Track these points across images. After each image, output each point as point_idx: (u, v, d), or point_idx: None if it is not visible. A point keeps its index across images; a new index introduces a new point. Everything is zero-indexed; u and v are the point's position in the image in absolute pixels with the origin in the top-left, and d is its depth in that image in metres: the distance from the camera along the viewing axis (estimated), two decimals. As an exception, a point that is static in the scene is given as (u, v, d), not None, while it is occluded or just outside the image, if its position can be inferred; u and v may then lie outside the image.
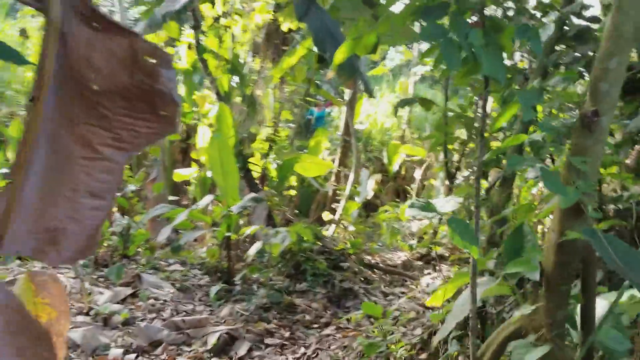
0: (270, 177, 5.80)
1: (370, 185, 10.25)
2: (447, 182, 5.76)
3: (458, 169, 5.64)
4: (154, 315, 3.86)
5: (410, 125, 12.80)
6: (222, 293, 4.37)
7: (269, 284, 4.40)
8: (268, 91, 8.93)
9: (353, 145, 6.96)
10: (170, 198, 6.46)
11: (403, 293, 4.90)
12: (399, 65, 15.45)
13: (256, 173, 5.90)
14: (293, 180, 6.28)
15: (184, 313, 4.00)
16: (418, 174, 11.11)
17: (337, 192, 7.94)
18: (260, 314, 3.98)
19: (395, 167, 11.31)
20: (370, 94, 5.70)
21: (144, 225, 5.44)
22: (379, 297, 4.75)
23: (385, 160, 11.38)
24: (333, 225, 6.03)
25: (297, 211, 8.75)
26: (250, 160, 5.88)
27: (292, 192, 6.38)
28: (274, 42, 8.28)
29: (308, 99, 13.74)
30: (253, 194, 5.07)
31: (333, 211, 7.62)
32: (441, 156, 9.61)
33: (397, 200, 11.51)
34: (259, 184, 5.82)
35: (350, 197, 6.83)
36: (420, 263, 5.48)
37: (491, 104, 6.42)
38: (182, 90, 7.91)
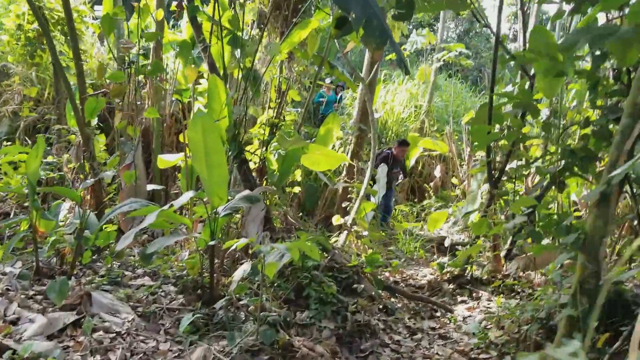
0: (270, 170, 4.68)
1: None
2: (488, 187, 4.67)
3: (502, 172, 4.51)
4: (97, 358, 2.78)
5: (429, 117, 11.64)
6: (198, 322, 3.29)
7: (260, 315, 3.31)
8: (274, 68, 7.82)
9: (372, 136, 5.84)
10: (155, 187, 5.38)
11: (433, 329, 3.81)
12: (418, 50, 14.27)
13: (254, 164, 4.79)
14: (298, 175, 5.18)
15: (142, 355, 2.92)
16: (438, 171, 9.99)
17: (350, 189, 6.84)
18: (245, 360, 2.91)
19: (412, 162, 10.19)
20: (406, 70, 4.56)
21: (112, 223, 4.37)
22: (403, 335, 3.66)
23: (402, 154, 10.25)
24: (344, 233, 4.94)
25: (301, 212, 7.68)
26: (247, 148, 4.77)
27: (296, 189, 5.29)
28: (284, 12, 7.16)
29: (319, 82, 12.65)
30: (247, 191, 3.98)
31: (344, 213, 6.53)
32: (463, 152, 8.47)
33: (414, 200, 10.43)
34: (257, 177, 4.73)
35: (366, 197, 5.74)
36: (451, 286, 4.39)
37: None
38: (178, 64, 6.84)
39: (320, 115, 11.46)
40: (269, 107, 5.56)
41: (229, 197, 3.74)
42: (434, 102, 12.14)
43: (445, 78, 15.56)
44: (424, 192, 10.21)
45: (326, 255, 4.11)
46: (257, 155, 4.81)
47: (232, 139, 4.52)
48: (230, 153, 4.49)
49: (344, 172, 6.79)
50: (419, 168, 10.56)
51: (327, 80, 11.58)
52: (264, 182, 4.74)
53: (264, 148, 4.78)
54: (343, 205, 6.35)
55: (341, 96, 12.00)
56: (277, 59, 7.09)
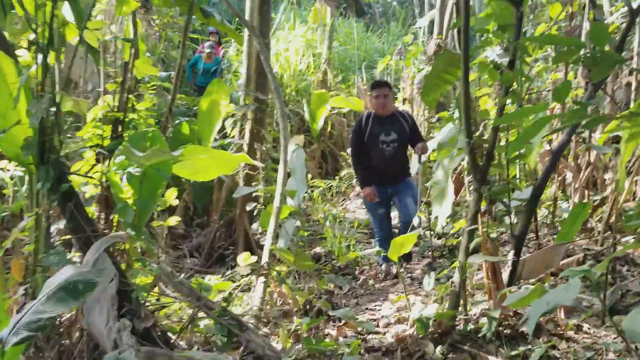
0: (120, 201, 2.73)
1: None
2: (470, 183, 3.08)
3: (490, 156, 2.90)
4: None
5: (331, 66, 9.88)
6: None
7: None
8: (127, 25, 5.62)
9: (279, 109, 4.00)
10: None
11: None
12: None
13: (91, 193, 2.81)
14: (172, 196, 3.17)
15: None
16: (354, 132, 8.35)
17: (255, 182, 5.01)
18: None
19: (320, 124, 8.49)
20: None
21: None
22: None
23: (307, 116, 8.50)
24: (260, 284, 3.09)
25: (192, 214, 5.75)
26: (73, 169, 2.77)
27: (172, 223, 3.33)
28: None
29: (194, 35, 10.35)
30: (70, 269, 2.09)
31: (249, 217, 4.71)
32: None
33: (327, 170, 8.79)
34: (100, 215, 2.79)
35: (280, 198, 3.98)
36: (438, 349, 2.72)
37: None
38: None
39: (197, 87, 9.29)
40: (115, 86, 3.52)
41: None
42: (333, 47, 10.39)
43: (338, 18, 13.79)
44: (337, 159, 8.59)
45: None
46: (93, 179, 2.84)
47: (40, 158, 2.51)
48: (39, 185, 2.49)
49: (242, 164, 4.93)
50: (329, 129, 8.88)
51: (206, 44, 9.27)
52: (113, 226, 2.80)
53: (106, 163, 2.81)
54: (247, 207, 4.52)
55: (221, 56, 9.65)
56: (125, 9, 4.92)
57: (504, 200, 2.90)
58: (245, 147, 4.83)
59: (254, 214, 4.44)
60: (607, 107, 4.85)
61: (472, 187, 2.95)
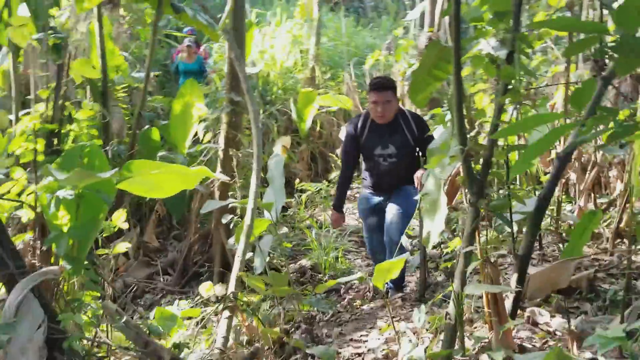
0: (54, 228, 2.31)
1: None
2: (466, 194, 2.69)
3: (488, 164, 2.49)
4: None
5: (319, 62, 9.43)
6: None
7: None
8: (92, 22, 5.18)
9: (251, 112, 3.58)
10: None
11: None
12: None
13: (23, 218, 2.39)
14: (119, 220, 2.72)
15: None
16: (343, 132, 7.93)
17: (232, 192, 4.60)
18: None
19: (308, 124, 8.07)
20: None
21: None
22: None
23: (294, 115, 8.07)
24: (224, 320, 2.64)
25: (168, 225, 5.34)
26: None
27: (120, 249, 2.89)
28: None
29: (173, 33, 9.85)
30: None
31: (227, 232, 4.31)
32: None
33: (317, 172, 8.37)
34: (33, 244, 2.37)
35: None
36: None
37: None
38: None
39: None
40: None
41: None
42: (321, 43, 9.94)
43: (327, 13, 13.34)
44: (328, 160, 8.17)
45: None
46: (25, 203, 2.42)
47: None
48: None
49: (218, 167, 4.51)
50: (318, 129, 8.45)
51: (185, 41, 8.63)
52: (51, 256, 2.39)
53: (38, 187, 2.39)
54: (223, 220, 4.09)
55: (202, 62, 8.94)
56: (87, 5, 4.55)
57: (505, 215, 2.49)
58: (221, 154, 4.41)
59: (231, 227, 4.04)
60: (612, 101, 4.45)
61: (468, 199, 2.55)
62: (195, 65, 8.58)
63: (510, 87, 2.52)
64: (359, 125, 3.84)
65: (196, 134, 4.95)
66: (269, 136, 8.17)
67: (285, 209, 6.69)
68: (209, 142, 4.80)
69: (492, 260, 2.44)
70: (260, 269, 3.47)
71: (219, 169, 4.49)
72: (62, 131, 2.73)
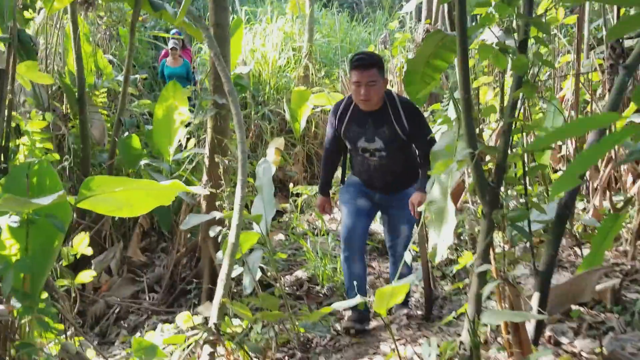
0: (1, 259, 1.99)
1: (270, 157, 6.65)
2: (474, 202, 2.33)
3: (502, 169, 2.17)
4: None
5: (312, 60, 9.10)
6: None
7: None
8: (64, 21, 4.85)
9: (234, 112, 3.26)
10: None
11: None
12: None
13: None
14: (84, 242, 2.39)
15: None
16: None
17: (220, 202, 4.27)
18: None
19: (302, 124, 7.74)
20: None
21: None
22: None
23: (288, 115, 7.74)
24: (206, 356, 2.31)
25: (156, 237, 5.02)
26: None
27: (84, 279, 2.54)
28: None
29: (160, 34, 9.47)
30: None
31: (215, 245, 3.99)
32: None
33: (313, 174, 8.04)
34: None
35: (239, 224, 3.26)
36: None
37: None
38: None
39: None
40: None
41: None
42: (314, 40, 9.60)
43: (320, 9, 13.00)
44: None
45: None
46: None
47: None
48: None
49: (204, 175, 4.18)
50: (313, 129, 8.12)
51: (170, 43, 8.18)
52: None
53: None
54: (211, 233, 3.77)
55: (189, 66, 8.42)
56: (57, 5, 4.24)
57: (523, 227, 2.17)
58: (206, 161, 4.09)
59: (219, 239, 3.72)
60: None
61: (481, 210, 2.22)
62: (181, 69, 8.16)
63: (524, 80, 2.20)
64: (340, 111, 3.22)
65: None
66: (262, 138, 7.85)
67: (281, 213, 6.37)
68: (194, 147, 4.48)
69: (511, 279, 2.12)
70: (249, 288, 3.16)
71: (204, 177, 4.17)
72: (11, 146, 2.42)
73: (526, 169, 2.35)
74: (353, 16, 14.42)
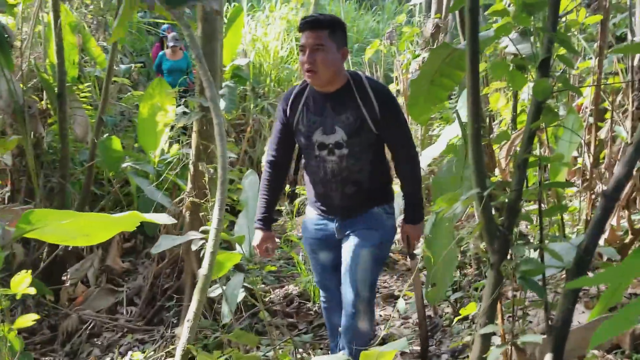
0: None
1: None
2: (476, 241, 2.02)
3: (518, 199, 1.84)
4: None
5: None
6: None
7: None
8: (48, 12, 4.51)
9: (215, 121, 2.91)
10: None
11: None
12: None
13: None
14: (24, 282, 2.10)
15: None
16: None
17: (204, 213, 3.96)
18: None
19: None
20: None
21: None
22: None
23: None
24: None
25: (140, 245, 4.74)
26: None
27: (24, 324, 2.27)
28: None
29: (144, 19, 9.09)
30: None
31: (197, 260, 3.68)
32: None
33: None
34: None
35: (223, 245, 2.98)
36: None
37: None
38: None
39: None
40: None
41: None
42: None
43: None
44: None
45: None
46: None
47: None
48: None
49: (188, 183, 3.86)
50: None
51: (170, 37, 7.76)
52: None
53: None
54: (193, 247, 3.46)
55: (188, 60, 7.97)
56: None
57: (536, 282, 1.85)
58: (191, 168, 3.77)
59: (201, 254, 3.42)
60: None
61: (488, 260, 1.90)
62: (181, 62, 7.73)
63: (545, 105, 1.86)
64: (292, 97, 2.48)
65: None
66: (261, 133, 7.51)
67: (276, 213, 6.07)
68: (178, 151, 4.16)
69: (521, 344, 1.80)
70: (227, 318, 2.86)
71: (189, 185, 3.85)
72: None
73: (542, 207, 2.01)
74: (361, 4, 13.98)
